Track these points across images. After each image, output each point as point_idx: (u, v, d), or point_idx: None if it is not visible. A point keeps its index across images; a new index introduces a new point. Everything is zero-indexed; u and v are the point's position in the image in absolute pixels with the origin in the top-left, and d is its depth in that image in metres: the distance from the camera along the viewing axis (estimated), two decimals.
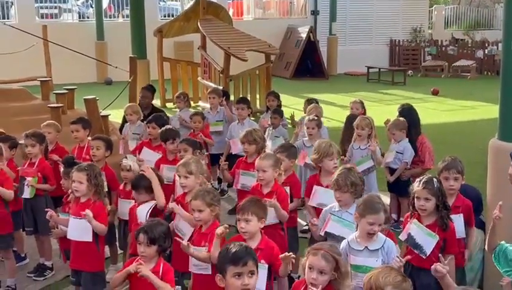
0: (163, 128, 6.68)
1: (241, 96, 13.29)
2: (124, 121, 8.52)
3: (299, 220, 6.32)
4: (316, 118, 7.26)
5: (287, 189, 5.42)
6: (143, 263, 4.07)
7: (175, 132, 6.62)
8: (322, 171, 5.58)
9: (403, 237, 4.58)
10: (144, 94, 9.38)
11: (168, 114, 8.72)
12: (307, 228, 5.35)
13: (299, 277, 4.86)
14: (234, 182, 6.26)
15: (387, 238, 4.21)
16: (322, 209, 5.02)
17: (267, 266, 4.12)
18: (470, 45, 23.42)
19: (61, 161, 6.12)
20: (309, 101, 8.84)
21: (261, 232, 4.28)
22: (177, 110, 9.44)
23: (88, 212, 4.72)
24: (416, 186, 4.46)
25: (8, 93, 9.55)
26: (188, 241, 4.53)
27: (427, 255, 4.41)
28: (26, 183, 5.93)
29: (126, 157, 5.96)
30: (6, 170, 5.77)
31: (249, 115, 8.29)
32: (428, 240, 4.41)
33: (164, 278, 4.08)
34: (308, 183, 5.79)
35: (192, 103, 14.61)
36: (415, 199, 4.46)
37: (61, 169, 5.76)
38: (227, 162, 6.26)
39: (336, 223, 4.64)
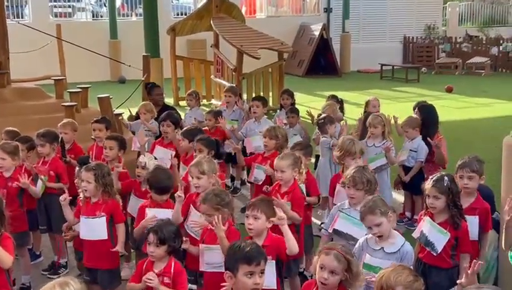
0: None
1: (256, 94, 13.30)
2: (136, 118, 8.47)
3: (313, 219, 6.31)
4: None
5: (303, 187, 5.38)
6: (154, 273, 4.04)
7: (197, 132, 6.59)
8: (344, 168, 5.58)
9: (416, 234, 4.61)
10: (157, 92, 9.38)
11: (181, 112, 8.74)
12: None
13: (311, 276, 4.86)
14: (249, 174, 6.35)
15: (407, 243, 4.16)
16: None
17: (274, 262, 4.10)
18: (484, 42, 23.24)
19: (76, 161, 6.13)
20: (331, 98, 8.73)
21: (268, 230, 4.23)
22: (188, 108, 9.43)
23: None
24: (427, 184, 4.51)
25: (23, 92, 9.61)
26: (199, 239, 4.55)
27: (438, 252, 4.43)
28: (39, 178, 5.96)
29: (144, 155, 5.97)
30: (28, 167, 5.89)
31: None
32: (439, 237, 4.43)
33: (176, 279, 4.07)
34: (331, 181, 5.80)
35: (205, 101, 14.65)
36: (426, 196, 4.49)
37: (77, 169, 5.77)
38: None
39: (344, 221, 4.64)
